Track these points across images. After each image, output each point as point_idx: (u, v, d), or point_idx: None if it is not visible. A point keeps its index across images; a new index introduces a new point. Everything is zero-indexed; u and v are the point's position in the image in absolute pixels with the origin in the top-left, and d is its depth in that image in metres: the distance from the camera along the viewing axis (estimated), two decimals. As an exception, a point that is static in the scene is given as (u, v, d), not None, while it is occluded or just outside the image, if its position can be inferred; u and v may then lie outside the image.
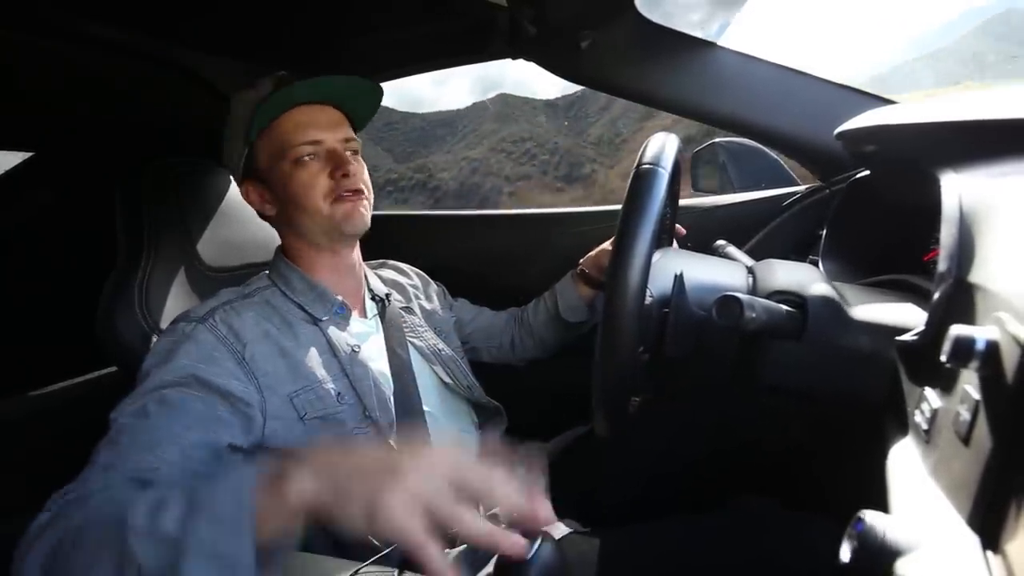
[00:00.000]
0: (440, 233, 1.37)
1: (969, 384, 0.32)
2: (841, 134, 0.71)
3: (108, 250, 0.84)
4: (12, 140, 1.12)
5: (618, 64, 1.01)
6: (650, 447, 0.81)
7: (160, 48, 0.90)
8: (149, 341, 0.79)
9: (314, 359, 0.71)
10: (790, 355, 0.54)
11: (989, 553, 0.28)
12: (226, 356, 0.65)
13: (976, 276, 0.36)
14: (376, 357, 0.78)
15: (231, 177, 1.00)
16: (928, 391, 0.39)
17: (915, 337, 0.43)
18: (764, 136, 1.04)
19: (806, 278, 0.57)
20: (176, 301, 0.84)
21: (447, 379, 0.87)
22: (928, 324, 0.41)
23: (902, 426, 0.44)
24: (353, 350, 0.75)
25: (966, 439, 0.32)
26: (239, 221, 0.98)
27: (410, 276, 0.99)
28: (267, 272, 0.79)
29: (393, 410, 0.75)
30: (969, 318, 0.35)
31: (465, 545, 0.69)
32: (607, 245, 0.97)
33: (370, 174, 0.81)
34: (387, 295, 0.87)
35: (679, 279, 0.58)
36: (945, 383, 0.36)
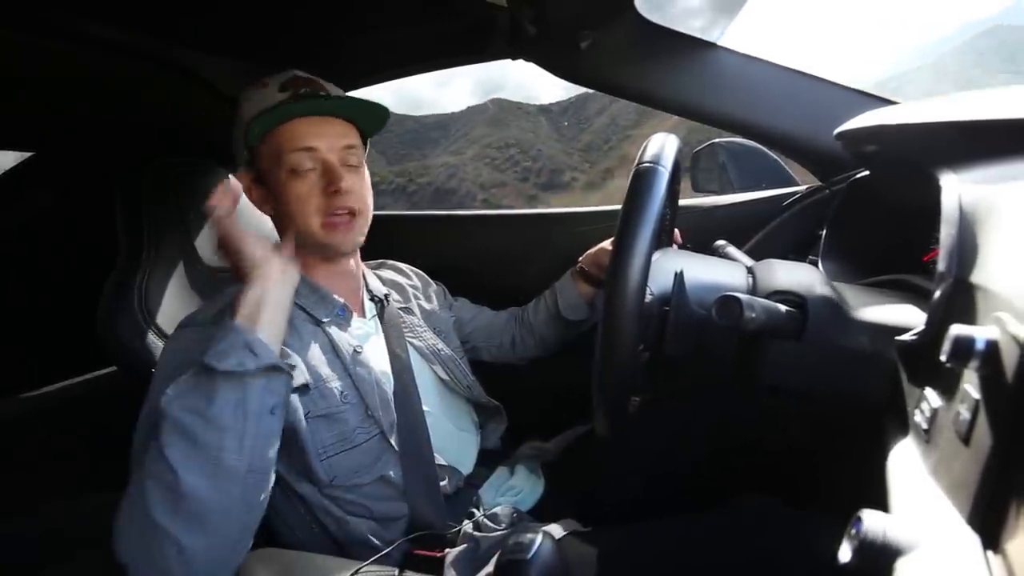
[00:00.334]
0: (440, 233, 1.37)
1: (969, 384, 0.32)
2: (841, 134, 0.71)
3: (108, 250, 0.84)
4: (12, 140, 1.12)
5: (618, 64, 1.01)
6: (650, 447, 0.81)
7: (160, 48, 0.90)
8: (149, 341, 0.79)
9: (318, 359, 0.71)
10: (790, 355, 0.54)
11: (989, 553, 0.28)
12: None
13: (976, 276, 0.36)
14: (377, 357, 0.78)
15: (231, 176, 1.01)
16: (928, 391, 0.39)
17: (915, 337, 0.43)
18: (764, 136, 1.04)
19: (806, 278, 0.57)
20: (176, 301, 0.84)
21: (446, 379, 0.87)
22: (928, 324, 0.41)
23: (902, 426, 0.44)
24: (355, 350, 0.75)
25: (966, 439, 0.32)
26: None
27: (409, 276, 0.99)
28: None
29: (394, 409, 0.75)
30: (969, 318, 0.35)
31: (465, 545, 0.69)
32: (607, 244, 0.97)
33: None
34: (386, 295, 0.87)
35: (679, 277, 0.58)
36: (945, 383, 0.36)
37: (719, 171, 1.20)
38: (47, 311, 1.21)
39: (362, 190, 0.77)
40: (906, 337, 0.44)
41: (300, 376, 0.67)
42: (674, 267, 0.59)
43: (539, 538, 0.59)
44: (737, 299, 0.50)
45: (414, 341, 0.86)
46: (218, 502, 0.54)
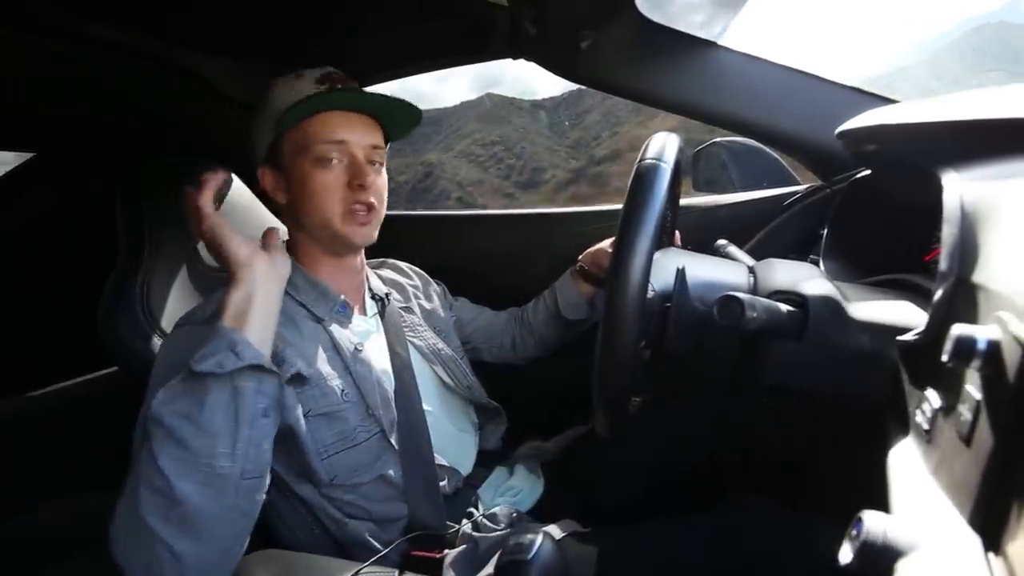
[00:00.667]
0: (440, 233, 1.37)
1: (970, 384, 0.32)
2: (842, 133, 0.71)
3: (108, 250, 0.84)
4: (12, 140, 1.12)
5: (618, 64, 1.01)
6: (650, 447, 0.81)
7: (160, 48, 0.90)
8: (150, 341, 0.79)
9: (319, 356, 0.71)
10: (791, 355, 0.54)
11: (991, 554, 0.28)
12: None
13: (977, 275, 0.36)
14: (378, 356, 0.78)
15: (231, 176, 1.00)
16: (929, 391, 0.38)
17: (916, 337, 0.43)
18: (765, 136, 1.04)
19: (807, 278, 0.57)
20: (177, 301, 0.84)
21: (447, 379, 0.87)
22: (929, 324, 0.41)
23: (903, 426, 0.43)
24: (356, 348, 0.75)
25: (967, 439, 0.31)
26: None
27: (410, 276, 0.99)
28: None
29: (394, 408, 0.75)
30: (970, 317, 0.35)
31: (464, 546, 0.69)
32: (606, 243, 0.97)
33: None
34: (387, 294, 0.87)
35: (681, 273, 0.58)
36: (946, 383, 0.36)
37: (720, 170, 1.20)
38: (47, 311, 1.21)
39: (382, 190, 0.78)
40: (907, 337, 0.43)
41: (300, 369, 0.67)
42: (676, 265, 0.59)
43: (539, 538, 0.59)
44: (738, 299, 0.49)
45: (414, 340, 0.86)
46: (211, 508, 0.54)
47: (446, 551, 0.70)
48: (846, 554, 0.33)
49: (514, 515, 0.74)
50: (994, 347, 0.30)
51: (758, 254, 0.74)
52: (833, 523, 0.39)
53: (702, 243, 0.82)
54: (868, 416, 0.50)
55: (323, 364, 0.71)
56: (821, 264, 0.77)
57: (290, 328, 0.71)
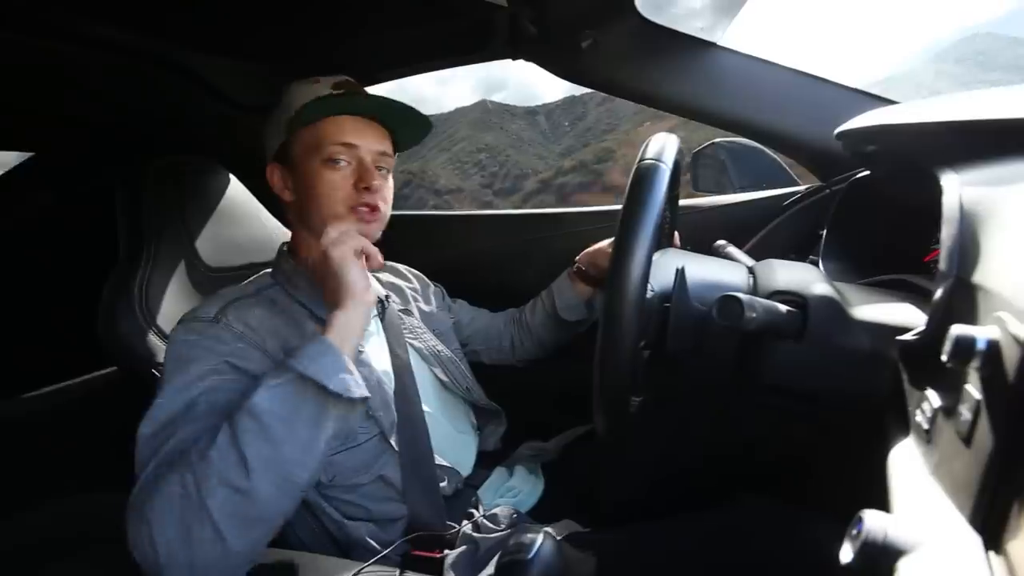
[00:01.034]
0: (440, 233, 1.37)
1: (970, 384, 0.32)
2: (841, 134, 0.71)
3: (108, 250, 0.84)
4: (12, 140, 1.12)
5: (618, 64, 1.01)
6: (650, 447, 0.81)
7: (160, 48, 0.90)
8: (149, 341, 0.79)
9: None
10: (791, 355, 0.54)
11: (991, 553, 0.28)
12: (251, 348, 0.66)
13: (977, 276, 0.36)
14: (378, 357, 0.78)
15: (231, 176, 1.00)
16: (929, 391, 0.38)
17: (916, 337, 0.43)
18: (764, 136, 1.04)
19: (807, 278, 0.57)
20: (177, 301, 0.84)
21: (446, 380, 0.87)
22: (929, 324, 0.41)
23: (903, 426, 0.44)
24: (357, 349, 0.75)
25: (967, 439, 0.31)
26: (239, 221, 0.98)
27: (408, 279, 0.99)
28: (270, 271, 0.79)
29: (394, 409, 0.75)
30: (970, 318, 0.35)
31: (464, 547, 0.69)
32: (604, 243, 0.97)
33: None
34: (386, 296, 0.87)
35: (680, 274, 0.58)
36: (946, 383, 0.36)
37: (719, 171, 1.20)
38: (47, 311, 1.21)
39: (387, 195, 0.78)
40: (907, 337, 0.43)
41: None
42: (675, 265, 0.59)
43: (540, 538, 0.59)
44: (738, 299, 0.49)
45: (414, 342, 0.86)
46: (272, 510, 0.55)
47: (446, 551, 0.70)
48: (847, 553, 0.33)
49: (514, 516, 0.74)
50: (994, 347, 0.30)
51: (757, 254, 0.74)
52: (833, 523, 0.39)
53: (701, 243, 0.82)
54: (868, 416, 0.50)
55: None
56: (821, 264, 0.77)
57: (292, 328, 0.71)
